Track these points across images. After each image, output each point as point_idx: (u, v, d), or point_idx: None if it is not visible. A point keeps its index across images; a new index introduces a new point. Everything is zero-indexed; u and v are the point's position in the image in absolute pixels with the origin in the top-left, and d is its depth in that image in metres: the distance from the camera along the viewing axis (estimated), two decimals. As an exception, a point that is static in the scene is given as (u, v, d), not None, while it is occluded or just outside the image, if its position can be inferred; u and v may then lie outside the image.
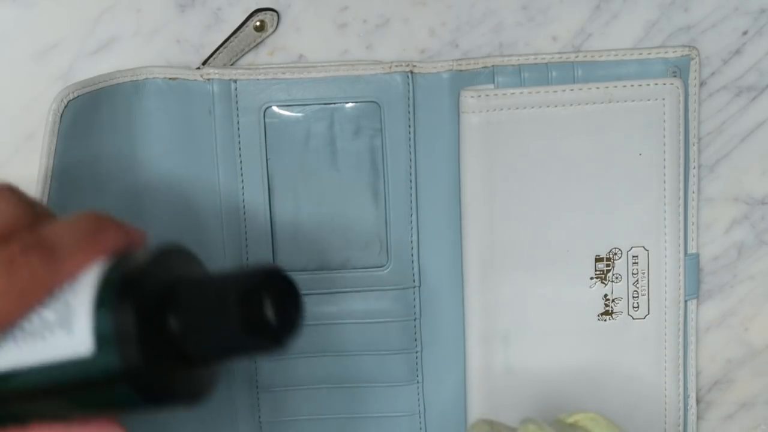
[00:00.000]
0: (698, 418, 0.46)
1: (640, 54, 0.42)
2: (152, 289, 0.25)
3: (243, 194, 0.42)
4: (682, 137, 0.42)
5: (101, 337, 0.24)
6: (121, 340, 0.24)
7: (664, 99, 0.41)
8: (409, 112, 0.42)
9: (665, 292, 0.43)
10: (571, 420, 0.34)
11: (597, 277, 0.43)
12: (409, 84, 0.42)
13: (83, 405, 0.25)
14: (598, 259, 0.43)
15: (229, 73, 0.41)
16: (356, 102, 0.42)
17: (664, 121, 0.42)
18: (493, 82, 0.42)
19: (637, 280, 0.43)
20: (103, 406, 0.25)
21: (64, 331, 0.24)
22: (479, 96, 0.41)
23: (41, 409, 0.25)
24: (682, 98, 0.42)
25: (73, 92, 0.39)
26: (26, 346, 0.24)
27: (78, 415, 0.25)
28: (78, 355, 0.24)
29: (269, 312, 0.25)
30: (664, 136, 0.42)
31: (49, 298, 0.25)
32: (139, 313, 0.24)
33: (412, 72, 0.42)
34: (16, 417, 0.25)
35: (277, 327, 0.25)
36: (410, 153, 0.43)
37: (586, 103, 0.41)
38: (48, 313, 0.24)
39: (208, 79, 0.42)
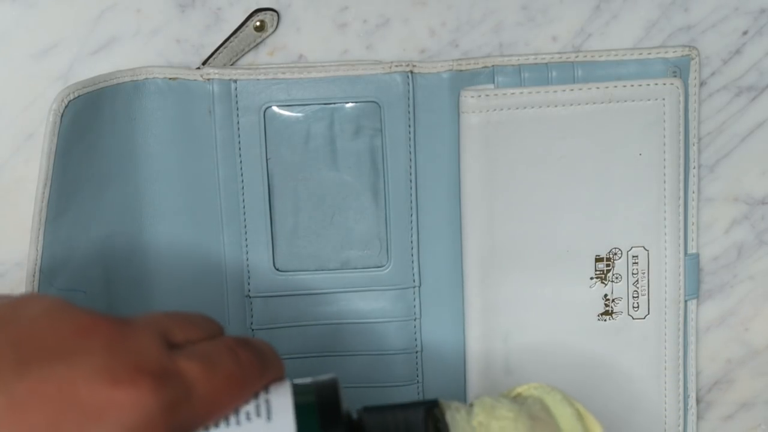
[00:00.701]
0: (698, 418, 0.46)
1: (640, 54, 0.42)
2: (343, 406, 0.29)
3: (243, 194, 0.42)
4: (682, 137, 0.42)
5: (305, 427, 0.28)
6: (324, 423, 0.28)
7: (664, 99, 0.41)
8: (409, 112, 0.42)
9: (665, 292, 0.43)
10: (515, 393, 0.34)
11: (597, 277, 0.43)
12: (409, 84, 0.42)
13: None
14: (598, 259, 0.43)
15: (229, 73, 0.41)
16: (356, 102, 0.42)
17: (664, 121, 0.42)
18: (493, 82, 0.42)
19: (637, 280, 0.43)
20: None
21: (264, 421, 0.27)
22: (479, 96, 0.41)
23: None
24: (682, 98, 0.42)
25: (73, 92, 0.39)
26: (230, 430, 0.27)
27: None
28: None
29: None
30: (664, 136, 0.42)
31: (252, 398, 0.28)
32: (341, 421, 0.28)
33: (412, 72, 0.42)
34: None
35: None
36: (410, 153, 0.43)
37: (586, 103, 0.41)
38: (249, 408, 0.28)
39: (208, 79, 0.42)
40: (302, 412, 0.28)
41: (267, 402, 0.28)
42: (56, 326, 0.25)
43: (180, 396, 0.25)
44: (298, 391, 0.29)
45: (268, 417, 0.28)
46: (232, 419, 0.27)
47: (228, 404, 0.27)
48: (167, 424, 0.25)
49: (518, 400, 0.33)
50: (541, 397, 0.32)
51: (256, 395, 0.28)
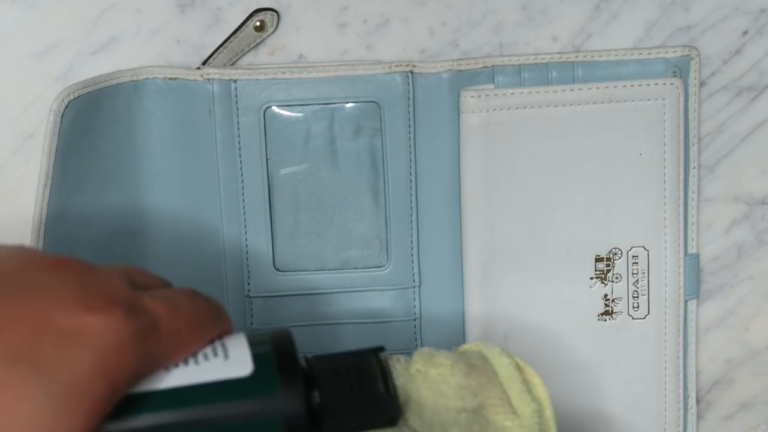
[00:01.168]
0: (698, 418, 0.46)
1: (640, 54, 0.42)
2: (297, 354, 0.29)
3: (243, 195, 0.42)
4: (682, 137, 0.42)
5: (261, 359, 0.28)
6: (281, 362, 0.28)
7: (664, 99, 0.41)
8: (409, 112, 0.42)
9: (665, 292, 0.43)
10: (458, 352, 0.35)
11: (597, 277, 0.43)
12: (409, 84, 0.42)
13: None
14: (598, 259, 0.43)
15: (229, 73, 0.41)
16: (356, 102, 0.42)
17: (664, 121, 0.42)
18: (493, 82, 0.42)
19: (637, 280, 0.43)
20: None
21: (221, 360, 0.28)
22: (479, 96, 0.41)
23: None
24: (682, 98, 0.42)
25: (73, 92, 0.39)
26: (183, 371, 0.28)
27: None
28: (237, 376, 0.28)
29: (387, 380, 0.30)
30: (664, 136, 0.42)
31: (208, 344, 0.29)
32: (295, 355, 0.29)
33: (412, 72, 0.42)
34: None
35: (394, 398, 0.30)
36: (410, 153, 0.43)
37: (586, 103, 0.41)
38: (206, 350, 0.29)
39: (208, 79, 0.42)
40: (255, 343, 0.29)
41: (223, 346, 0.29)
42: (28, 264, 0.26)
43: (148, 328, 0.26)
44: (253, 340, 0.30)
45: (226, 356, 0.28)
46: (191, 360, 0.28)
47: (190, 343, 0.28)
48: (137, 352, 0.26)
49: (461, 352, 0.33)
50: (480, 350, 0.33)
51: (211, 341, 0.29)
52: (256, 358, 0.28)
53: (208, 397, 0.28)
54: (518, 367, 0.32)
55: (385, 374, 0.30)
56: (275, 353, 0.29)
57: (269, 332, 0.30)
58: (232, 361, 0.28)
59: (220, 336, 0.30)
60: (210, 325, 0.29)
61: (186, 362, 0.28)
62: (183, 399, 0.27)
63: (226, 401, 0.28)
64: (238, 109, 0.42)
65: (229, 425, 0.28)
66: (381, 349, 0.31)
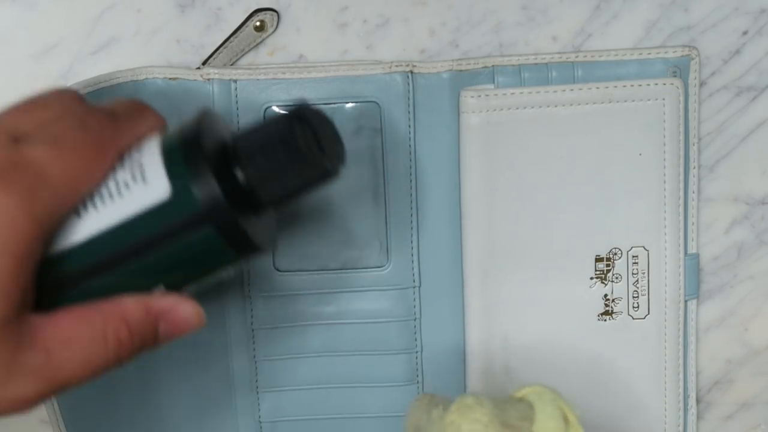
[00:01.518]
0: (698, 418, 0.46)
1: (640, 54, 0.42)
2: (210, 139, 0.29)
3: (243, 194, 0.42)
4: (682, 137, 0.42)
5: (176, 178, 0.28)
6: (196, 175, 0.27)
7: (664, 99, 0.41)
8: (409, 112, 0.42)
9: (665, 292, 0.43)
10: (519, 395, 0.35)
11: (597, 277, 0.43)
12: (409, 84, 0.42)
13: (171, 261, 0.28)
14: (598, 259, 0.43)
15: (229, 73, 0.42)
16: (356, 102, 0.42)
17: (664, 121, 0.42)
18: (493, 82, 0.42)
19: (637, 280, 0.43)
20: (186, 258, 0.28)
21: (141, 185, 0.27)
22: (479, 96, 0.41)
23: (132, 275, 0.28)
24: (682, 98, 0.42)
25: (73, 92, 0.39)
26: (110, 207, 0.27)
27: (167, 276, 0.28)
28: (158, 200, 0.27)
29: (318, 136, 0.29)
30: (664, 136, 0.42)
31: (120, 164, 0.28)
32: (208, 156, 0.28)
33: (412, 72, 0.42)
34: (110, 287, 0.28)
35: (326, 152, 0.29)
36: (410, 153, 0.43)
37: (586, 103, 0.41)
38: (123, 175, 0.28)
39: (208, 79, 0.42)
40: (168, 158, 0.28)
41: (140, 165, 0.28)
42: None
43: (32, 182, 0.25)
44: (164, 139, 0.29)
45: (143, 179, 0.28)
46: (114, 191, 0.28)
47: (90, 174, 0.27)
48: (30, 214, 0.25)
49: (512, 402, 0.33)
50: (531, 401, 0.33)
51: (130, 158, 0.28)
52: (170, 172, 0.28)
53: (137, 231, 0.27)
54: (565, 419, 0.32)
55: (315, 130, 0.29)
56: (184, 151, 0.28)
57: (181, 127, 0.30)
58: (150, 183, 0.28)
59: (141, 145, 0.29)
60: (108, 142, 0.28)
61: (110, 194, 0.27)
62: (114, 241, 0.27)
63: (154, 230, 0.27)
64: (238, 109, 0.42)
65: (165, 249, 0.27)
66: (305, 106, 0.30)
